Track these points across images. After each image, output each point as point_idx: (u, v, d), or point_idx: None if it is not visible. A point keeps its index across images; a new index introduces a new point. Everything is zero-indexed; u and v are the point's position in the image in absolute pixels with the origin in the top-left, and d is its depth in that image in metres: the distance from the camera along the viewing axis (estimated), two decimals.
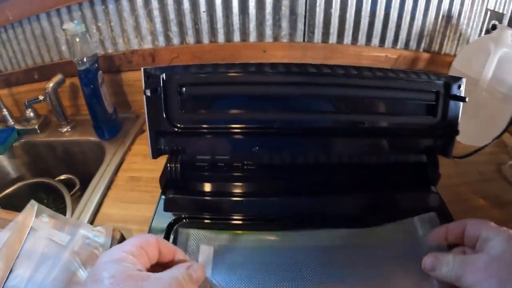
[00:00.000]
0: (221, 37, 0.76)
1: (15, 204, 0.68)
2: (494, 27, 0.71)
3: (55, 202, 0.75)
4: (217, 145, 0.47)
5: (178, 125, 0.45)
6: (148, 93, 0.42)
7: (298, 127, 0.45)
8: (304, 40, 0.76)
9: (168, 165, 0.46)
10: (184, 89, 0.44)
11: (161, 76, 0.43)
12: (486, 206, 0.56)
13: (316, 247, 0.41)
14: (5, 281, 0.44)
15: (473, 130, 0.67)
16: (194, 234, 0.44)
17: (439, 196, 0.49)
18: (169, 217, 0.47)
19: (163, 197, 0.48)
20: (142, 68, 0.42)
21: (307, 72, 0.43)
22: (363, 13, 0.71)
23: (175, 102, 0.44)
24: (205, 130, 0.46)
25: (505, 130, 0.61)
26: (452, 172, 0.62)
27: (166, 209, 0.46)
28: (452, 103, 0.47)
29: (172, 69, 0.43)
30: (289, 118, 0.45)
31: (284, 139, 0.46)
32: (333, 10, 0.71)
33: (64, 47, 0.80)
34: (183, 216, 0.47)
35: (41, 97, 0.75)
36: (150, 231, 0.46)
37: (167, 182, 0.48)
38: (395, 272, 0.39)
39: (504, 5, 0.72)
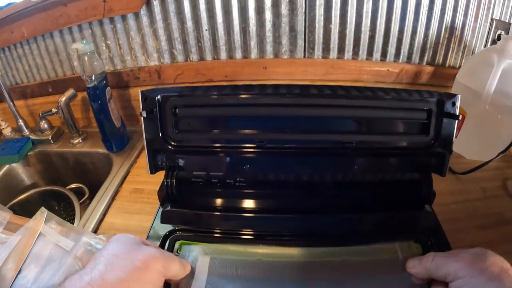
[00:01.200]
0: (223, 54, 0.78)
1: (29, 209, 0.71)
2: (500, 38, 0.70)
3: (66, 209, 0.78)
4: (210, 163, 0.49)
5: (173, 144, 0.47)
6: (144, 115, 0.44)
7: (287, 146, 0.46)
8: (304, 56, 0.76)
9: (165, 180, 0.48)
10: (177, 110, 0.46)
11: (156, 98, 0.45)
12: (487, 224, 0.54)
13: (300, 264, 0.42)
14: (14, 281, 0.46)
15: (477, 145, 0.66)
16: (188, 245, 0.46)
17: (433, 215, 0.48)
18: (166, 228, 0.49)
19: (160, 209, 0.50)
20: (139, 90, 0.45)
21: (295, 93, 0.44)
22: (363, 28, 0.71)
23: (170, 122, 0.46)
24: (198, 149, 0.48)
25: (511, 145, 0.59)
26: (453, 188, 0.61)
27: (163, 221, 0.48)
28: (445, 121, 0.46)
29: (167, 91, 0.45)
30: (278, 138, 0.46)
31: (273, 158, 0.47)
32: (332, 26, 0.71)
33: (76, 63, 0.84)
34: (177, 228, 0.49)
35: (54, 110, 0.79)
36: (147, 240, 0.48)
37: (165, 196, 0.50)
38: None
39: (510, 14, 0.70)
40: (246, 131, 0.46)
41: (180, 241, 0.47)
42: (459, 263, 0.34)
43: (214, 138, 0.47)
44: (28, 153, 0.84)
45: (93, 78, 0.68)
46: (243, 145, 0.46)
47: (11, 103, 0.82)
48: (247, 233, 0.46)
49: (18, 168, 0.85)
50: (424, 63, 0.76)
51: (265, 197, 0.49)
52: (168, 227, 0.49)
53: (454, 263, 0.34)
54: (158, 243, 0.47)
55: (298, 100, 0.44)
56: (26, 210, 0.76)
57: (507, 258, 0.46)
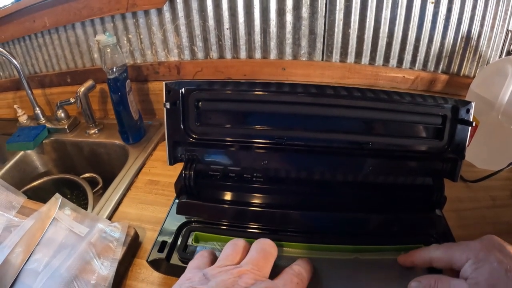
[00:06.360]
0: (243, 54, 0.79)
1: (41, 196, 0.72)
2: None
3: (78, 198, 0.80)
4: (229, 157, 0.49)
5: (194, 136, 0.48)
6: (168, 106, 0.45)
7: (305, 144, 0.47)
8: (322, 59, 0.77)
9: (183, 172, 0.49)
10: (200, 103, 0.47)
11: (180, 90, 0.46)
12: (495, 233, 0.51)
13: (313, 260, 0.43)
14: (25, 264, 0.47)
15: (488, 154, 0.66)
16: (202, 237, 0.47)
17: (443, 220, 0.49)
18: (180, 219, 0.50)
19: (176, 200, 0.51)
20: (164, 83, 0.46)
21: (313, 92, 0.46)
22: (381, 34, 0.72)
23: (192, 115, 0.47)
24: (218, 142, 0.49)
25: None
26: (463, 196, 0.61)
27: (178, 212, 0.49)
28: (459, 127, 0.47)
29: (191, 84, 0.46)
30: (296, 136, 0.47)
31: (291, 155, 0.48)
32: (351, 31, 0.72)
33: (96, 55, 0.86)
34: (193, 219, 0.50)
35: (72, 100, 0.80)
36: (162, 230, 0.49)
37: (181, 187, 0.50)
38: None
39: None
40: (266, 127, 0.47)
41: (195, 232, 0.48)
42: (470, 248, 0.33)
43: (234, 133, 0.48)
44: (44, 141, 0.86)
45: (114, 70, 0.69)
46: (262, 140, 0.47)
47: (29, 91, 0.84)
48: (262, 228, 0.47)
49: (33, 155, 0.86)
50: (439, 72, 0.76)
51: (281, 193, 0.50)
52: (183, 219, 0.50)
53: (464, 247, 0.34)
54: (173, 234, 0.49)
55: (317, 100, 0.45)
56: (38, 196, 0.77)
57: None
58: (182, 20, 0.77)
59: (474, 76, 0.75)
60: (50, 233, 0.52)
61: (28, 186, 0.80)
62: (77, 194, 0.81)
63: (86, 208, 0.70)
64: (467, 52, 0.74)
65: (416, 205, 0.49)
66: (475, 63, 0.75)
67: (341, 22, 0.72)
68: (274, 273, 0.35)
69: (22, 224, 0.52)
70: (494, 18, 0.69)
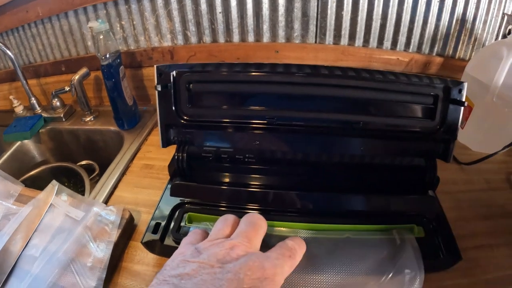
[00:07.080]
0: (236, 37, 0.79)
1: (39, 185, 0.72)
2: (510, 32, 0.70)
3: (75, 185, 0.81)
4: (220, 138, 0.50)
5: (186, 118, 0.48)
6: (159, 88, 0.45)
7: (296, 124, 0.47)
8: (316, 42, 0.77)
9: (176, 154, 0.50)
10: (191, 85, 0.47)
11: (171, 73, 0.46)
12: (489, 215, 0.54)
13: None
14: (23, 250, 0.48)
15: (483, 137, 0.66)
16: (195, 217, 0.48)
17: (435, 201, 0.49)
18: (174, 201, 0.51)
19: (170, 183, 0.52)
20: (155, 66, 0.46)
21: (305, 72, 0.45)
22: (374, 16, 0.71)
23: (184, 97, 0.47)
24: (210, 124, 0.49)
25: None
26: (458, 178, 0.61)
27: (172, 194, 0.50)
28: (451, 107, 0.46)
29: (182, 67, 0.46)
30: (287, 115, 0.47)
31: (282, 135, 0.48)
32: (344, 13, 0.72)
33: (90, 43, 0.86)
34: (186, 201, 0.50)
35: (67, 88, 0.80)
36: (156, 212, 0.50)
37: (175, 170, 0.51)
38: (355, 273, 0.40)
39: None
40: (257, 107, 0.47)
41: (189, 213, 0.49)
42: None
43: (225, 114, 0.48)
44: (40, 130, 0.86)
45: (107, 56, 0.69)
46: (253, 121, 0.47)
47: (24, 82, 0.84)
48: (254, 208, 0.48)
49: (30, 144, 0.87)
50: (434, 54, 0.76)
51: (273, 173, 0.50)
52: (177, 201, 0.51)
53: None
54: (167, 216, 0.49)
55: (309, 79, 0.45)
56: (36, 185, 0.77)
57: (507, 250, 0.47)
58: (174, 5, 0.76)
59: (469, 59, 0.75)
60: (47, 219, 0.52)
61: (26, 176, 0.81)
62: (74, 182, 0.81)
63: (83, 195, 0.70)
64: (462, 34, 0.73)
65: (409, 186, 0.50)
66: (471, 46, 0.75)
67: (334, 4, 0.72)
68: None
69: (20, 212, 0.53)
70: (490, 1, 0.69)
